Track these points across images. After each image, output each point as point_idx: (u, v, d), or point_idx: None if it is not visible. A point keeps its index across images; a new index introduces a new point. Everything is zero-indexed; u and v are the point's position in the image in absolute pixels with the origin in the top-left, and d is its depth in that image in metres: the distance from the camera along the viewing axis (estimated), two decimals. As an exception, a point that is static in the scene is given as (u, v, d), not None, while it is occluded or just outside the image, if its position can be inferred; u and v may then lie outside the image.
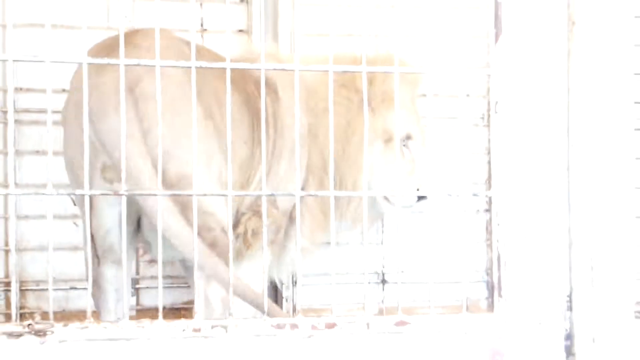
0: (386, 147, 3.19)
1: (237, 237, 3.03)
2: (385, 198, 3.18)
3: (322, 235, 3.03)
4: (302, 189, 3.02)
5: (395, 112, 2.44)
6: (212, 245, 2.78)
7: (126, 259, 2.29)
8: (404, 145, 3.20)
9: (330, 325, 2.25)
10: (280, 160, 3.08)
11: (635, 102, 2.44)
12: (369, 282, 2.45)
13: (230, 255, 2.28)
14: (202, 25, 3.36)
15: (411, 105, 3.16)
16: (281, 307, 3.21)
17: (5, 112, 2.55)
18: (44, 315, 2.22)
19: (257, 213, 3.04)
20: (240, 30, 3.37)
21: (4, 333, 2.10)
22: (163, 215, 2.33)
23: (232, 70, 2.83)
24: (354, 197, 3.17)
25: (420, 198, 3.07)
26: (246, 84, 2.97)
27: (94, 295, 2.89)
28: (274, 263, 3.18)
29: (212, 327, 2.20)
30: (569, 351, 2.42)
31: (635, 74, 2.42)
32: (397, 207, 3.18)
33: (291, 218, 3.14)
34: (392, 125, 3.11)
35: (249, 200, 3.10)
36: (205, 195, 2.41)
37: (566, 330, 2.38)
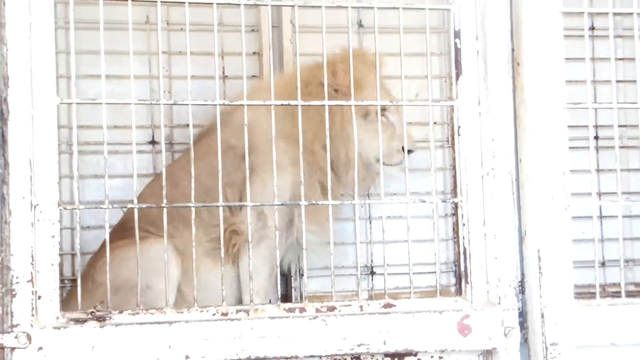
0: (365, 121, 3.10)
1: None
2: (377, 160, 3.07)
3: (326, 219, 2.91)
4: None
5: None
6: None
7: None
8: (382, 116, 3.08)
9: (331, 308, 2.24)
10: (263, 174, 2.97)
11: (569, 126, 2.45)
12: (360, 274, 2.45)
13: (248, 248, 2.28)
14: (223, 72, 3.40)
15: (378, 84, 2.94)
16: (291, 295, 3.21)
17: (70, 145, 2.58)
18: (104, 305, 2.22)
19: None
20: (254, 76, 3.40)
21: (72, 319, 2.12)
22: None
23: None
24: (351, 166, 3.09)
25: (409, 152, 3.02)
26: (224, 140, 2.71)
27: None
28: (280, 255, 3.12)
29: (237, 311, 2.20)
30: (522, 325, 2.41)
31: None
32: (391, 164, 3.13)
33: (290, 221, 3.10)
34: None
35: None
36: (227, 205, 2.37)
37: (519, 309, 2.37)
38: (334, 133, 2.99)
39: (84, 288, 2.32)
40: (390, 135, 3.14)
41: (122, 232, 2.90)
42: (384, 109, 3.11)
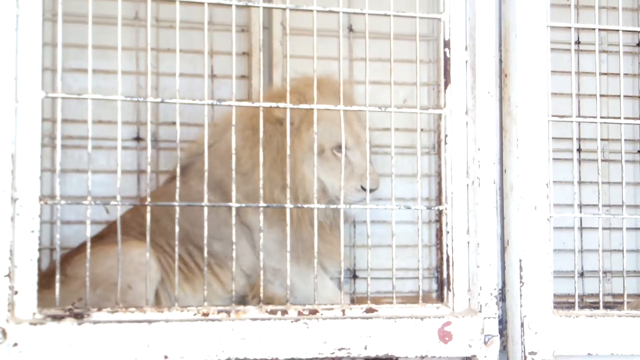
0: (320, 158, 2.96)
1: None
2: (337, 198, 2.93)
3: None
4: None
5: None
6: None
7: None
8: (339, 153, 2.98)
9: (313, 312, 2.20)
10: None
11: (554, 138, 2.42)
12: (343, 277, 2.40)
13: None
14: (212, 72, 3.34)
15: (339, 118, 2.83)
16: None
17: (54, 139, 2.52)
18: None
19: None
20: (243, 76, 3.34)
21: (49, 316, 2.06)
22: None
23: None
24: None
25: (371, 191, 2.89)
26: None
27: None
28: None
29: (218, 312, 2.16)
30: (501, 333, 2.39)
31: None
32: (350, 202, 2.97)
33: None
34: (319, 139, 2.85)
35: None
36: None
37: (499, 316, 2.35)
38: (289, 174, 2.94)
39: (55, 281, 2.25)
40: (348, 174, 3.00)
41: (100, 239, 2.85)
42: (340, 146, 2.95)
